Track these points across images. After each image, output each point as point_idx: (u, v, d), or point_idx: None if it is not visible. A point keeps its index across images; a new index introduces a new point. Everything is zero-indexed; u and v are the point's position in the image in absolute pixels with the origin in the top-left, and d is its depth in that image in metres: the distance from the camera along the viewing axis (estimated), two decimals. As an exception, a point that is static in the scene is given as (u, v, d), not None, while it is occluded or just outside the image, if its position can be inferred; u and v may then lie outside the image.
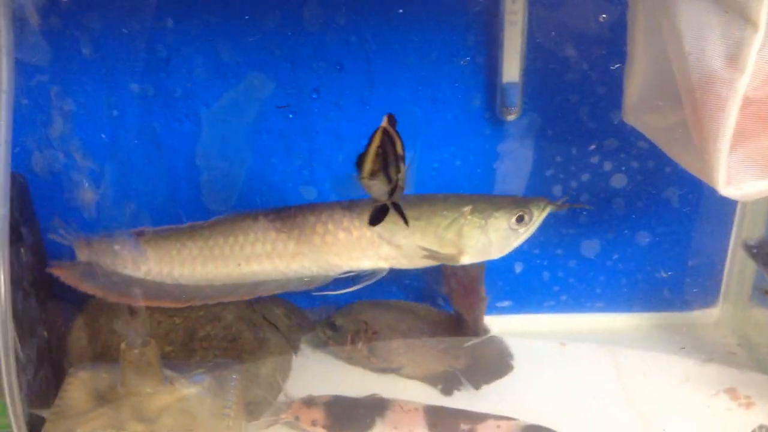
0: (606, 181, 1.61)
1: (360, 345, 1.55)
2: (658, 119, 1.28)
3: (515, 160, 1.59)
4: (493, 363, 1.56)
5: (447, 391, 1.53)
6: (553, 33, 1.47)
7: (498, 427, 1.37)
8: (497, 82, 1.52)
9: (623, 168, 1.60)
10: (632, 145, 1.56)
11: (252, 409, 1.42)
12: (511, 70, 1.49)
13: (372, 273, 1.33)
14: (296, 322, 1.60)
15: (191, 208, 1.55)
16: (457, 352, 1.55)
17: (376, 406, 1.41)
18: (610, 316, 1.74)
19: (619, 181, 1.60)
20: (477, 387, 1.51)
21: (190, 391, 1.28)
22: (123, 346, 1.24)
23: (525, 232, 1.32)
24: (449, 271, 1.60)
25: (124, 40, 1.45)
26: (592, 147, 1.57)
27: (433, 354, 1.56)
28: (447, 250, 1.31)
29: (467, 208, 1.30)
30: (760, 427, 1.36)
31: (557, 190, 1.61)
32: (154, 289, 1.32)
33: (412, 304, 1.65)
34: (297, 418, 1.40)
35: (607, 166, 1.59)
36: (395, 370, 1.56)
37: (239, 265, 1.32)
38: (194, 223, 1.37)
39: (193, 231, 1.34)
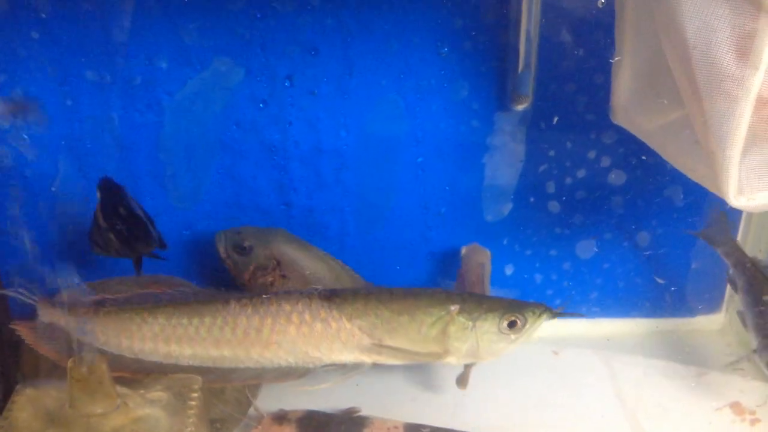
0: (604, 178, 1.51)
1: (259, 281, 1.43)
2: (649, 119, 1.20)
3: (507, 154, 1.49)
4: None
5: None
6: (565, 20, 1.38)
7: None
8: (483, 71, 1.43)
9: (622, 164, 1.50)
10: (632, 141, 1.45)
11: (218, 427, 1.33)
12: (525, 57, 1.40)
13: (353, 367, 1.27)
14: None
15: (154, 206, 1.45)
16: None
17: (353, 423, 1.32)
18: (606, 321, 1.66)
19: (618, 178, 1.51)
20: None
21: (145, 411, 1.19)
22: (69, 363, 1.14)
23: (518, 339, 1.26)
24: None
25: (77, 23, 1.34)
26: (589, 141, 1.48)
27: None
28: (431, 348, 1.25)
29: (455, 308, 1.25)
30: None
31: (550, 186, 1.52)
32: (113, 360, 1.24)
33: (344, 265, 1.50)
34: (267, 437, 1.31)
35: (605, 161, 1.50)
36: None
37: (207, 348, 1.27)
38: (160, 294, 1.30)
39: (156, 306, 1.28)
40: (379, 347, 1.24)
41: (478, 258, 1.51)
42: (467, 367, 1.39)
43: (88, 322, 1.25)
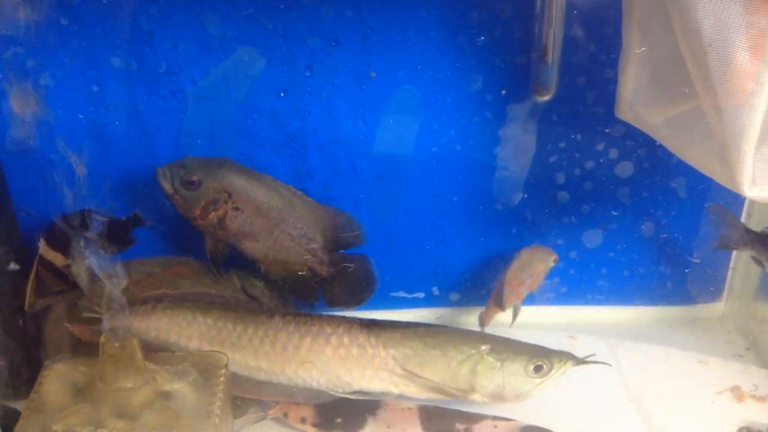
0: (611, 169, 1.55)
1: (209, 216, 1.40)
2: (656, 113, 1.23)
3: (518, 146, 1.53)
4: (358, 284, 1.50)
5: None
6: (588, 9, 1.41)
7: (495, 426, 1.32)
8: (497, 63, 1.46)
9: (630, 156, 1.54)
10: (640, 133, 1.49)
11: (238, 404, 1.36)
12: (548, 48, 1.42)
13: (379, 395, 1.33)
14: (278, 295, 1.53)
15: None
16: (326, 259, 1.48)
17: (368, 405, 1.36)
18: (611, 309, 1.70)
19: (625, 169, 1.55)
20: (330, 305, 1.49)
21: (173, 386, 1.22)
22: (102, 338, 1.17)
23: (542, 383, 1.31)
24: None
25: (104, 11, 1.37)
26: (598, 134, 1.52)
27: (297, 253, 1.46)
28: (459, 384, 1.30)
29: (485, 347, 1.30)
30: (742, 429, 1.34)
31: (560, 177, 1.56)
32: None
33: (296, 191, 1.48)
34: (285, 415, 1.35)
35: (613, 153, 1.54)
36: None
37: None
38: (214, 295, 1.38)
39: (209, 307, 1.34)
40: (409, 377, 1.30)
41: (534, 264, 1.54)
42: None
43: (146, 320, 1.31)
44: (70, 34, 1.38)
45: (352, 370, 1.30)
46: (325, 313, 1.37)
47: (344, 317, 1.34)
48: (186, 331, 1.31)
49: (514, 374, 1.29)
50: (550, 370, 1.30)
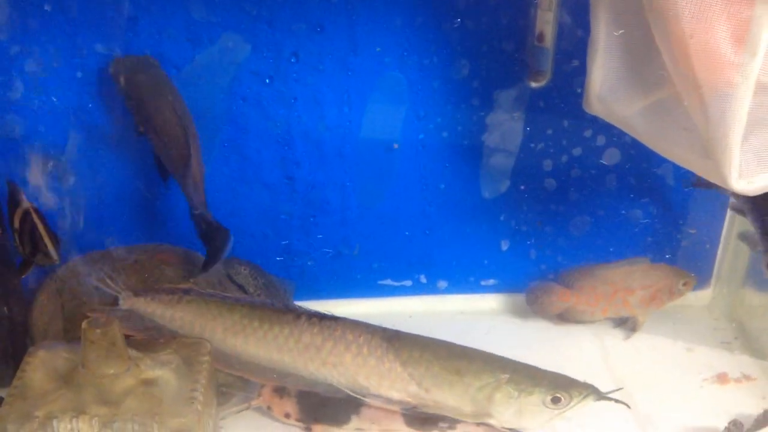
0: (598, 156, 1.55)
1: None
2: (628, 103, 1.20)
3: (505, 133, 1.52)
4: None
5: None
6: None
7: (477, 424, 1.32)
8: (484, 49, 1.45)
9: (616, 143, 1.53)
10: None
11: (224, 391, 1.37)
12: (545, 33, 1.41)
13: (398, 402, 1.32)
14: (263, 283, 1.53)
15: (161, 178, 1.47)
16: None
17: (352, 402, 1.35)
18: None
19: (612, 156, 1.54)
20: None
21: (156, 373, 1.22)
22: (84, 325, 1.17)
23: (559, 413, 1.30)
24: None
25: (88, -3, 1.36)
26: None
27: None
28: (475, 409, 1.29)
29: (504, 376, 1.29)
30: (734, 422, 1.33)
31: (547, 164, 1.55)
32: None
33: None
34: (269, 408, 1.35)
35: (600, 140, 1.53)
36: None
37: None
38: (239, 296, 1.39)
39: (235, 303, 1.36)
40: (424, 395, 1.29)
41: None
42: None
43: (170, 309, 1.34)
44: (55, 20, 1.37)
45: (370, 378, 1.30)
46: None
47: (368, 326, 1.34)
48: (211, 323, 1.33)
49: (532, 404, 1.28)
50: (569, 403, 1.28)
